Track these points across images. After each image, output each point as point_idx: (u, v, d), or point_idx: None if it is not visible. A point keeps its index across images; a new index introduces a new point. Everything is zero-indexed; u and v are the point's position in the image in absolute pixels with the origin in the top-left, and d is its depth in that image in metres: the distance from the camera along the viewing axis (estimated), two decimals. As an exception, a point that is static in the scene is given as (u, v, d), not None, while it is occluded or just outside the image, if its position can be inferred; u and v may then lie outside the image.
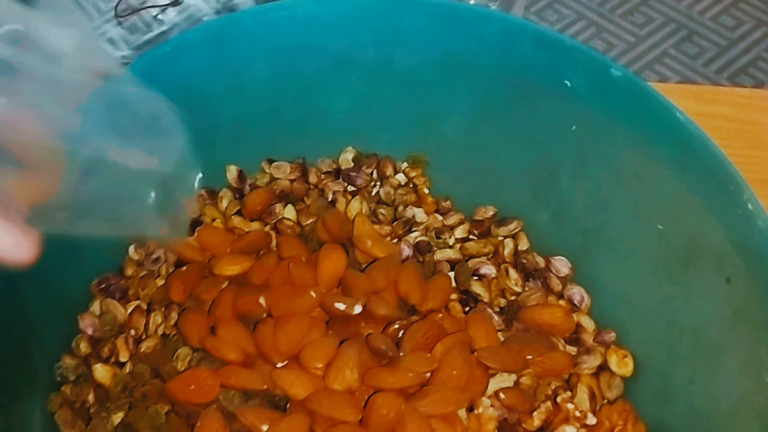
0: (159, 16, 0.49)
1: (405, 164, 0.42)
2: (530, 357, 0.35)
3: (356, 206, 0.40)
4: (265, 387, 0.33)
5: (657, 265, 0.34)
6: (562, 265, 0.38)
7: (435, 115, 0.40)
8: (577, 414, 0.33)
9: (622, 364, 0.35)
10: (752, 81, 0.45)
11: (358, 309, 0.34)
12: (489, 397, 0.34)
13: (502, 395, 0.34)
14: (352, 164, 0.42)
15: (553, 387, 0.35)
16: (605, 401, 0.35)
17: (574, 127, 0.36)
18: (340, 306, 0.35)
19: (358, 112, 0.41)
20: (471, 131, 0.40)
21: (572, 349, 0.36)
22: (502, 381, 0.35)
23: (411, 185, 0.41)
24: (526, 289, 0.37)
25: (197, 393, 0.33)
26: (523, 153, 0.39)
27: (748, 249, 0.30)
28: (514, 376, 0.35)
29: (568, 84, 0.35)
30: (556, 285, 0.37)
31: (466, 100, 0.39)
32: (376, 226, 0.39)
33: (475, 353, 0.34)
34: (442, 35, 0.37)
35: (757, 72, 0.45)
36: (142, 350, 0.36)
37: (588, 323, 0.36)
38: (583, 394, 0.34)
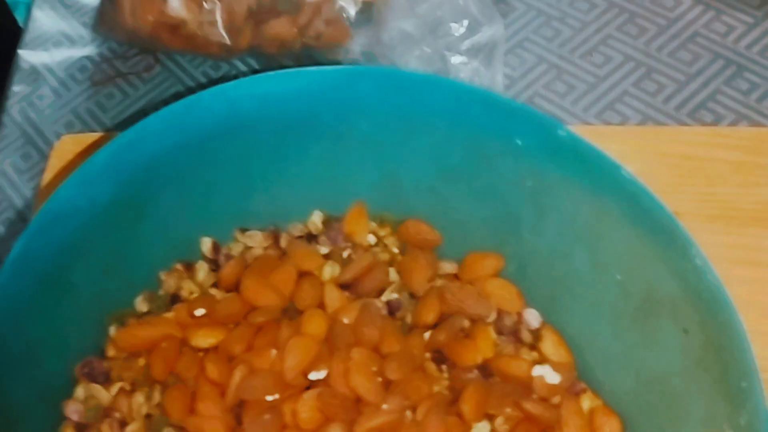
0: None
1: (373, 224, 0.43)
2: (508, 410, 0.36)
3: (328, 271, 0.41)
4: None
5: (620, 314, 0.35)
6: (532, 318, 0.39)
7: (397, 175, 0.41)
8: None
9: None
10: (712, 115, 0.46)
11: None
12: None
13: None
14: (321, 227, 0.43)
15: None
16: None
17: (529, 183, 0.37)
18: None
19: (323, 177, 0.42)
20: (433, 189, 0.41)
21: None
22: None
23: (381, 245, 0.42)
24: (497, 344, 0.38)
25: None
26: (484, 208, 0.39)
27: (700, 302, 0.31)
28: (487, 427, 0.36)
29: (519, 143, 0.36)
30: (527, 337, 0.38)
31: (426, 160, 0.40)
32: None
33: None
34: (396, 101, 0.38)
35: (717, 106, 0.46)
36: (126, 434, 0.36)
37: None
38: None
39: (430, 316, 0.39)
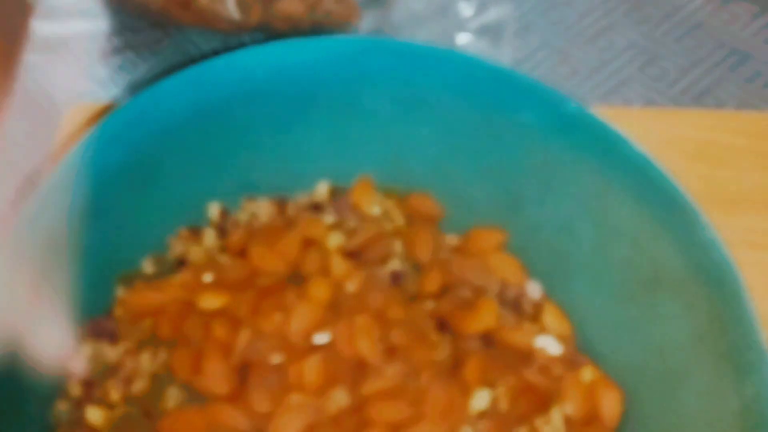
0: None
1: (379, 196, 0.43)
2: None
3: (334, 240, 0.41)
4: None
5: (623, 289, 0.36)
6: (533, 290, 0.39)
7: (404, 149, 0.42)
8: (553, 436, 0.35)
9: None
10: (715, 101, 0.46)
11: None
12: (467, 426, 0.35)
13: (480, 425, 0.35)
14: (328, 197, 0.43)
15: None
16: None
17: (536, 158, 0.37)
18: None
19: (330, 148, 0.42)
20: (439, 163, 0.41)
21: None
22: (478, 400, 0.36)
23: (387, 217, 0.43)
24: (500, 314, 0.39)
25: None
26: (489, 183, 0.40)
27: (706, 276, 0.31)
28: (489, 395, 0.36)
29: (528, 117, 0.36)
30: (529, 309, 0.39)
31: (433, 134, 0.40)
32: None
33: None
34: (406, 74, 0.39)
35: (721, 92, 0.47)
36: (132, 391, 0.37)
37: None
38: (557, 417, 0.35)
39: (433, 285, 0.39)
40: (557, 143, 0.36)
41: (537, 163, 0.37)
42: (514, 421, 0.35)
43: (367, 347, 0.36)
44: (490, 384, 0.36)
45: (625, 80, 0.49)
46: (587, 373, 0.37)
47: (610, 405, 0.35)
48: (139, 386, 0.37)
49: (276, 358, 0.36)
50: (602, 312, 0.37)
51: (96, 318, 0.39)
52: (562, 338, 0.37)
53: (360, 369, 0.36)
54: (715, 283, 0.31)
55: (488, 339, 0.38)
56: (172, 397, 0.36)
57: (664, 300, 0.34)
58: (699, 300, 0.32)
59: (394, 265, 0.41)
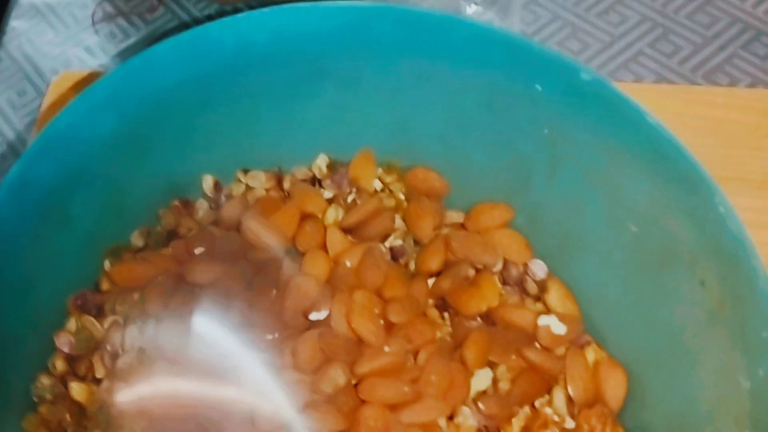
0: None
1: (380, 170, 0.42)
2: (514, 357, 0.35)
3: (332, 215, 0.40)
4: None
5: (632, 267, 0.34)
6: (538, 269, 0.38)
7: (407, 122, 0.40)
8: (556, 419, 0.33)
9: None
10: (728, 78, 0.45)
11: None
12: (468, 406, 0.34)
13: (481, 405, 0.34)
14: (326, 171, 0.42)
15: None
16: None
17: (546, 131, 0.36)
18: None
19: (331, 120, 0.41)
20: (444, 137, 0.40)
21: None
22: (479, 380, 0.34)
23: (387, 191, 0.41)
24: (502, 293, 0.37)
25: (173, 409, 0.33)
26: (497, 157, 0.38)
27: (720, 252, 0.30)
28: (491, 375, 0.35)
29: (539, 88, 0.35)
30: (532, 288, 0.37)
31: (439, 106, 0.39)
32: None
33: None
34: (412, 42, 0.37)
35: (733, 69, 0.45)
36: (118, 366, 0.35)
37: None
38: (559, 398, 0.34)
39: (434, 262, 0.38)
40: (570, 114, 0.34)
41: (547, 136, 0.36)
42: (516, 401, 0.34)
43: (364, 326, 0.34)
44: (491, 364, 0.35)
45: (636, 56, 0.48)
46: (591, 354, 0.35)
47: (614, 386, 0.34)
48: (126, 360, 0.35)
49: (270, 335, 0.35)
50: (609, 291, 0.36)
51: (82, 292, 0.38)
52: (567, 318, 0.36)
53: (357, 347, 0.34)
54: (729, 259, 0.30)
55: (490, 318, 0.37)
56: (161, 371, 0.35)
57: (674, 278, 0.32)
58: (711, 277, 0.30)
59: (394, 241, 0.39)
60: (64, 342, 0.36)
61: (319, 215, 0.40)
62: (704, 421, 0.30)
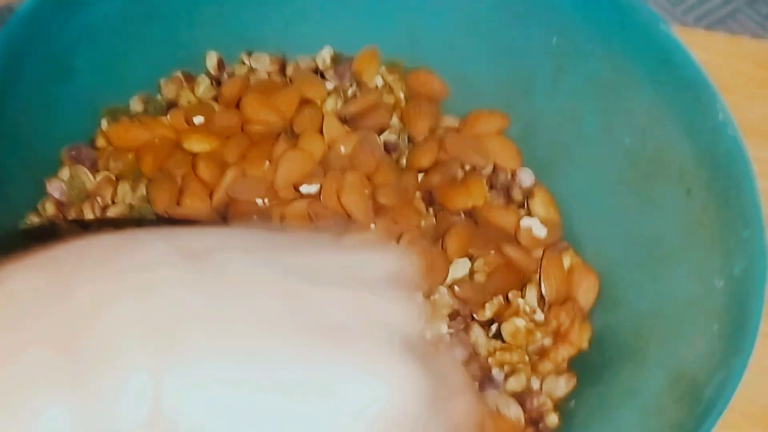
0: None
1: (382, 67, 0.42)
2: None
3: (331, 104, 0.40)
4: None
5: (620, 179, 0.36)
6: (526, 177, 0.39)
7: (417, 23, 0.40)
8: (527, 310, 0.34)
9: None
10: (729, 32, 0.46)
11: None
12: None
13: (456, 288, 0.35)
14: (330, 64, 0.42)
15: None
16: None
17: (555, 39, 0.36)
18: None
19: (340, 13, 0.41)
20: (451, 41, 0.40)
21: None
22: (457, 268, 0.36)
23: (388, 88, 0.42)
24: (488, 196, 0.38)
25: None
26: (500, 66, 0.39)
27: (713, 159, 0.31)
28: (468, 266, 0.36)
29: (550, -6, 0.36)
30: (517, 195, 0.38)
31: (450, 11, 0.39)
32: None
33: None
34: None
35: (735, 24, 0.46)
36: (108, 215, 0.36)
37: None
38: (532, 294, 0.35)
39: (426, 159, 0.39)
40: (580, 22, 0.35)
41: (555, 45, 0.36)
42: (490, 292, 0.35)
43: (354, 202, 0.35)
44: (470, 257, 0.36)
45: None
46: (567, 260, 0.37)
47: (586, 289, 0.35)
48: (116, 211, 0.36)
49: (260, 199, 0.35)
50: (593, 202, 0.37)
51: (78, 144, 0.38)
52: (548, 222, 0.37)
53: (344, 222, 0.35)
54: (720, 166, 0.31)
55: (473, 217, 0.37)
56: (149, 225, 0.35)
57: (660, 188, 0.33)
58: (699, 186, 0.31)
59: (389, 136, 0.40)
60: (55, 188, 0.37)
61: (318, 102, 0.40)
62: (673, 321, 0.31)
